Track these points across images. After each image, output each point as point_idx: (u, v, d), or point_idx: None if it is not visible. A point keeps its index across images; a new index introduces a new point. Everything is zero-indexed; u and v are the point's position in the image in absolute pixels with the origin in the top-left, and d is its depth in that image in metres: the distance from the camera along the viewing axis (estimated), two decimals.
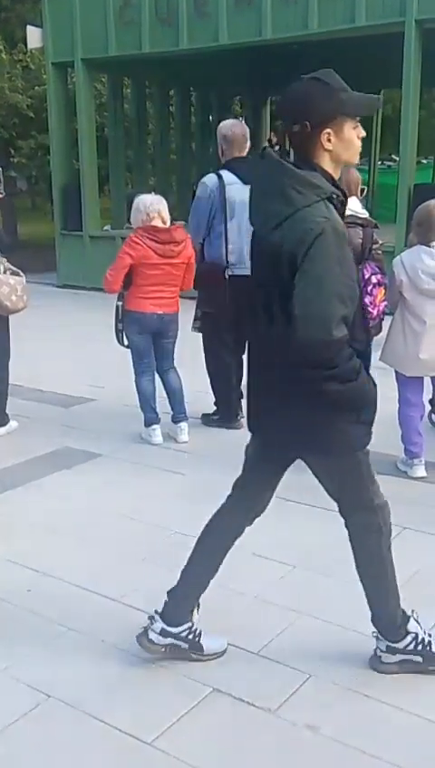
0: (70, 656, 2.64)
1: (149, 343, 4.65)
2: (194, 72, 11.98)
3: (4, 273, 4.72)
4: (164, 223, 4.47)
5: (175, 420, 4.78)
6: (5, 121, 15.30)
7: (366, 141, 11.59)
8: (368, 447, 2.47)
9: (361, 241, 3.84)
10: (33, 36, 10.97)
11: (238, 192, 4.59)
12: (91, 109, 10.98)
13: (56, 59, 10.68)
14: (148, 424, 4.75)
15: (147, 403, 4.74)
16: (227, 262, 4.66)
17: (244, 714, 2.34)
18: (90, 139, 10.86)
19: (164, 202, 4.53)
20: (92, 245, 10.88)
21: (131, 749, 2.20)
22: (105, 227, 11.68)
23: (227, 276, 4.67)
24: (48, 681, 2.49)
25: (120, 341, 4.72)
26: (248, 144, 4.73)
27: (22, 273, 4.82)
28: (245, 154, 4.70)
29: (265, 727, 2.29)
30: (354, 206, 3.87)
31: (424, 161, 16.70)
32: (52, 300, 10.19)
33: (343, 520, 2.54)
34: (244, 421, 4.87)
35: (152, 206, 4.46)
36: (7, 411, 4.99)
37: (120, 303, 4.65)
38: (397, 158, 17.93)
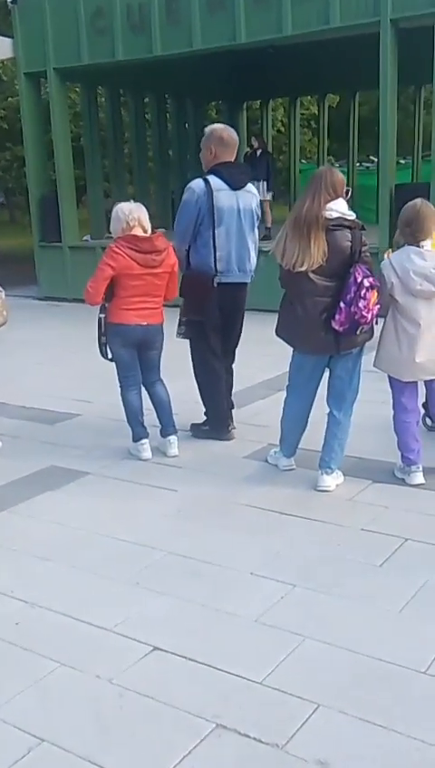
0: (62, 694, 2.49)
1: (133, 356, 4.50)
2: (169, 78, 11.86)
3: None
4: (145, 231, 4.33)
5: (164, 434, 4.64)
6: None
7: (344, 143, 11.64)
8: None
9: (349, 244, 3.73)
10: (3, 46, 10.81)
11: (226, 198, 4.46)
12: (65, 118, 10.85)
13: (28, 69, 10.53)
14: (136, 439, 4.60)
15: (134, 417, 4.59)
16: (216, 269, 4.52)
17: (251, 751, 2.20)
18: (65, 150, 10.72)
19: (144, 209, 4.39)
20: (72, 257, 10.73)
21: None
22: (84, 238, 11.53)
23: (215, 284, 4.53)
24: (40, 724, 2.33)
25: (104, 355, 4.56)
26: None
27: (1, 288, 4.67)
28: (233, 159, 4.57)
29: (275, 766, 2.14)
30: (341, 207, 3.76)
31: (402, 161, 16.66)
32: (33, 313, 10.02)
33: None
34: (235, 432, 4.83)
35: (132, 215, 4.32)
36: None
37: (102, 316, 4.49)
38: (375, 159, 17.94)
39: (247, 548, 3.45)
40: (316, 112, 18.04)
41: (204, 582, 3.16)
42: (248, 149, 12.09)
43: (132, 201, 4.52)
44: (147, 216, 4.37)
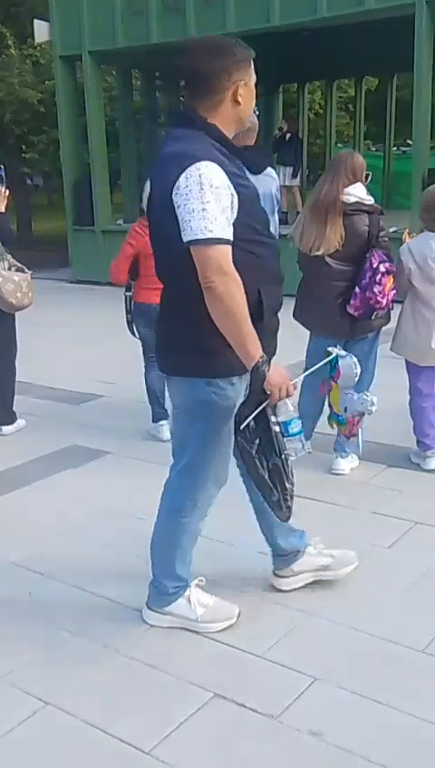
0: (70, 661, 2.58)
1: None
2: None
3: (9, 269, 4.67)
4: None
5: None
6: (17, 117, 15.24)
7: (381, 127, 11.49)
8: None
9: (367, 228, 3.73)
10: (41, 30, 10.91)
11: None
12: (100, 102, 10.91)
13: (64, 52, 10.61)
14: (155, 419, 4.68)
15: (154, 398, 4.67)
16: None
17: (246, 720, 2.27)
18: (99, 133, 10.79)
19: None
20: (105, 240, 10.82)
21: (130, 758, 2.14)
22: (118, 221, 11.62)
23: None
24: (47, 688, 2.44)
25: (132, 333, 4.66)
26: None
27: (27, 270, 4.76)
28: (253, 143, 4.58)
29: (268, 734, 2.22)
30: (360, 192, 3.76)
31: None
32: (64, 295, 10.16)
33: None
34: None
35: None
36: (16, 409, 4.95)
37: (128, 294, 4.58)
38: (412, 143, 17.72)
39: (258, 528, 3.50)
40: (354, 95, 17.85)
41: (215, 560, 3.22)
42: (277, 133, 11.97)
43: None
44: None
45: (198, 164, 2.23)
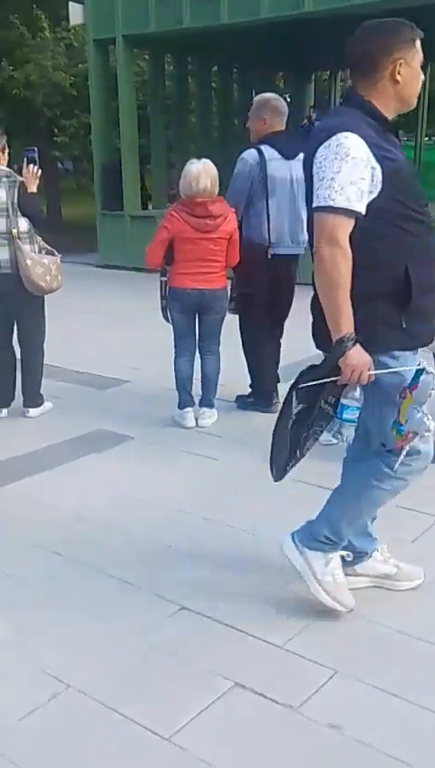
0: (90, 645, 2.60)
1: (189, 323, 4.56)
2: (236, 47, 11.76)
3: (39, 252, 4.67)
4: (210, 195, 4.32)
5: (200, 404, 4.71)
6: (49, 100, 15.26)
7: (413, 117, 11.33)
8: None
9: None
10: (75, 12, 10.89)
11: (279, 168, 4.43)
12: (132, 86, 10.88)
13: (97, 35, 10.58)
14: (181, 406, 4.68)
15: (182, 384, 4.66)
16: (269, 240, 4.52)
17: (265, 710, 2.27)
18: (131, 118, 10.76)
19: (212, 173, 4.31)
20: (133, 225, 10.82)
21: (149, 744, 2.15)
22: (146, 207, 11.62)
23: (269, 256, 4.53)
24: (69, 671, 2.45)
25: (166, 318, 4.65)
26: None
27: (57, 253, 4.77)
28: (283, 129, 4.55)
29: (287, 725, 2.21)
30: None
31: None
32: (92, 280, 10.18)
33: None
34: (279, 405, 4.86)
35: (199, 185, 4.25)
36: (42, 392, 4.97)
37: (164, 279, 4.57)
38: None
39: (281, 518, 3.49)
40: None
41: (236, 549, 3.23)
42: (306, 121, 11.88)
43: (202, 160, 4.40)
44: (214, 179, 4.32)
45: (338, 135, 2.27)
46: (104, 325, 7.57)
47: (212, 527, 3.43)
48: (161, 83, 12.59)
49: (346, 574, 2.84)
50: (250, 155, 4.44)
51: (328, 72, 16.49)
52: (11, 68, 15.47)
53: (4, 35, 15.81)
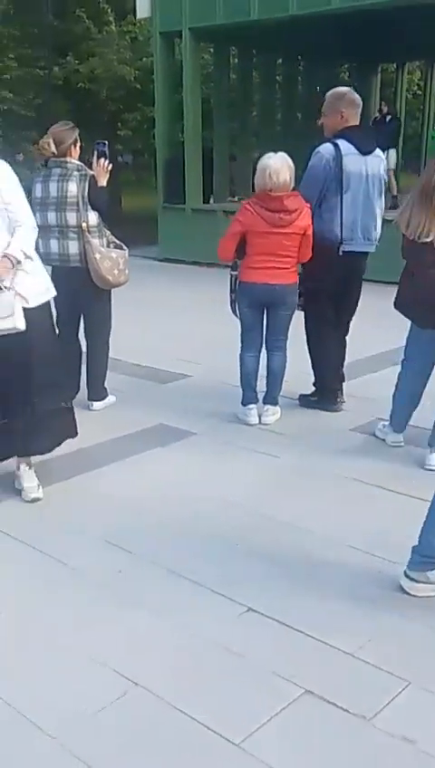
0: (161, 644, 2.57)
1: (257, 318, 4.51)
2: (302, 39, 11.61)
3: (108, 246, 4.68)
4: (287, 189, 4.25)
5: (264, 401, 4.65)
6: (113, 94, 15.36)
7: None
8: None
9: None
10: (143, 6, 10.90)
11: (355, 162, 4.34)
12: (197, 79, 10.85)
13: (163, 28, 10.58)
14: (244, 402, 4.64)
15: (247, 380, 4.61)
16: (342, 237, 4.44)
17: (337, 720, 2.21)
18: (195, 111, 10.73)
19: (289, 167, 4.23)
20: (194, 219, 10.80)
21: (219, 748, 2.12)
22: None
23: (341, 252, 4.44)
24: (136, 669, 2.43)
25: (234, 312, 4.61)
26: None
27: (125, 247, 4.77)
28: (358, 122, 4.45)
29: (360, 737, 2.15)
30: None
31: None
32: (151, 273, 10.20)
33: None
34: (343, 404, 4.78)
35: (277, 178, 4.17)
36: (106, 385, 4.99)
37: (234, 273, 4.52)
38: None
39: (345, 520, 3.43)
40: None
41: (300, 550, 3.18)
42: (377, 114, 11.70)
43: (280, 154, 4.31)
44: (291, 173, 4.25)
45: None
46: (164, 318, 7.57)
47: (275, 526, 3.38)
48: (226, 76, 12.53)
49: (418, 580, 2.78)
50: (326, 149, 4.35)
51: (394, 65, 16.20)
52: (76, 62, 15.63)
53: (70, 29, 15.96)
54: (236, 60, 13.46)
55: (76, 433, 3.88)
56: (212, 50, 12.93)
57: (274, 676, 2.39)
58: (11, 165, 3.51)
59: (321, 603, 2.79)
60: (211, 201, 11.63)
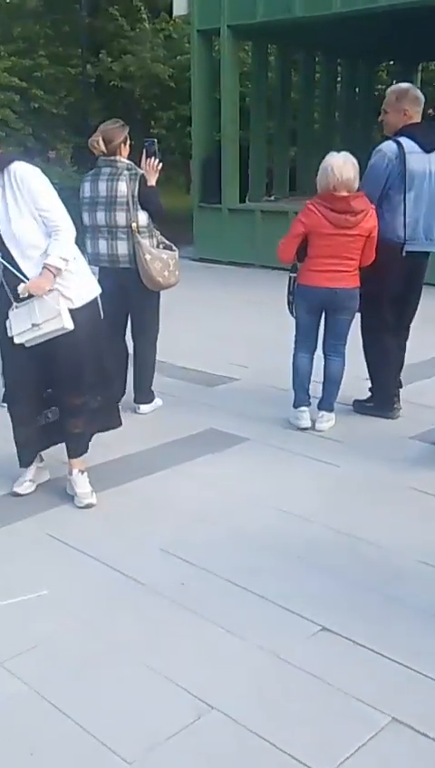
0: (232, 665, 2.45)
1: (315, 321, 4.38)
2: (343, 37, 11.46)
3: (158, 246, 4.58)
4: (349, 191, 4.12)
5: (319, 406, 4.51)
6: (146, 92, 15.29)
7: None
8: None
9: None
10: (180, 3, 10.81)
11: (419, 161, 4.20)
12: (235, 78, 10.73)
13: (202, 26, 10.47)
14: (296, 405, 4.50)
15: (299, 383, 4.48)
16: (405, 237, 4.30)
17: (428, 752, 2.08)
18: (232, 110, 10.62)
19: (353, 167, 4.11)
20: (230, 219, 10.69)
21: None
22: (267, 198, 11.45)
23: (404, 253, 4.30)
24: (208, 690, 2.32)
25: (292, 313, 4.49)
26: None
27: (175, 248, 4.67)
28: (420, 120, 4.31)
29: None
30: None
31: None
32: (189, 274, 10.01)
33: None
34: (400, 411, 4.63)
35: (341, 177, 4.05)
36: (153, 388, 4.89)
37: (293, 275, 4.40)
38: None
39: (413, 533, 3.30)
40: None
41: (368, 564, 3.05)
42: (431, 112, 11.52)
43: (343, 153, 4.19)
44: (356, 171, 4.12)
45: None
46: (204, 319, 7.46)
47: (338, 538, 3.26)
48: (264, 75, 12.39)
49: None
50: (389, 148, 4.21)
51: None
52: (109, 59, 15.58)
53: (103, 26, 15.93)
54: (274, 58, 13.32)
55: (120, 422, 3.85)
56: (250, 48, 12.80)
57: (356, 702, 2.26)
58: (42, 164, 3.41)
59: (397, 623, 2.66)
60: (247, 200, 11.51)
